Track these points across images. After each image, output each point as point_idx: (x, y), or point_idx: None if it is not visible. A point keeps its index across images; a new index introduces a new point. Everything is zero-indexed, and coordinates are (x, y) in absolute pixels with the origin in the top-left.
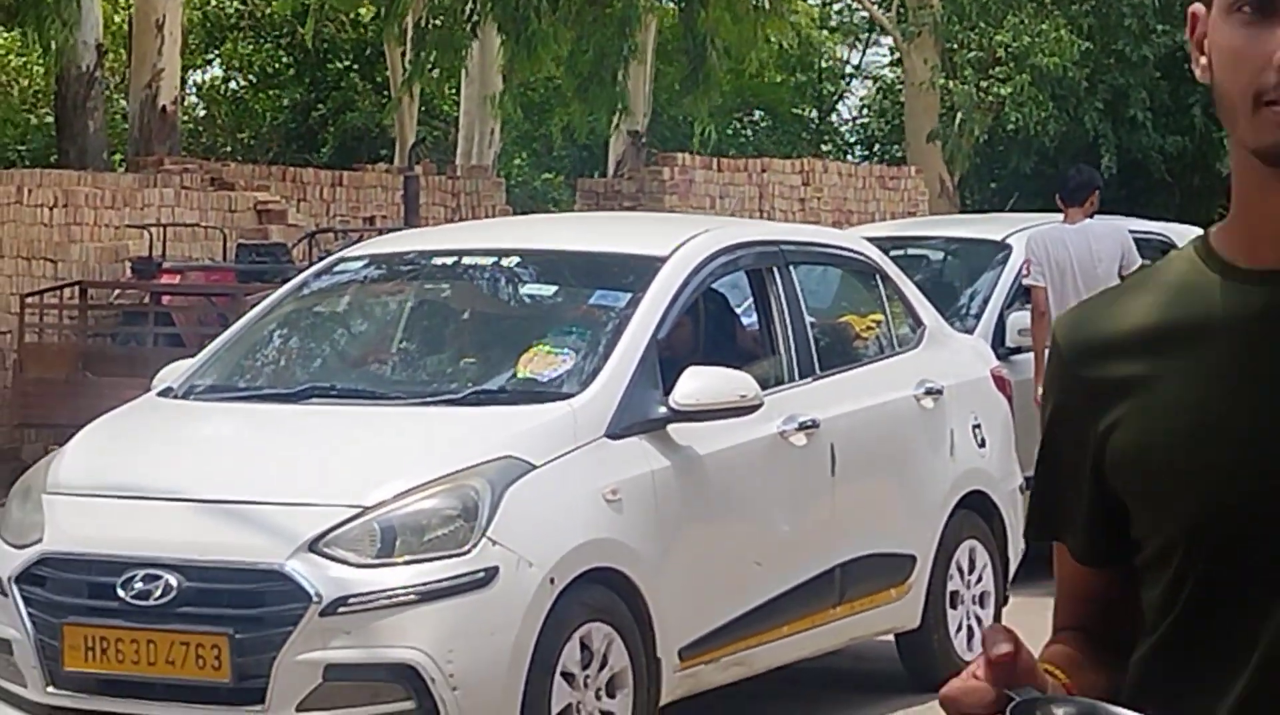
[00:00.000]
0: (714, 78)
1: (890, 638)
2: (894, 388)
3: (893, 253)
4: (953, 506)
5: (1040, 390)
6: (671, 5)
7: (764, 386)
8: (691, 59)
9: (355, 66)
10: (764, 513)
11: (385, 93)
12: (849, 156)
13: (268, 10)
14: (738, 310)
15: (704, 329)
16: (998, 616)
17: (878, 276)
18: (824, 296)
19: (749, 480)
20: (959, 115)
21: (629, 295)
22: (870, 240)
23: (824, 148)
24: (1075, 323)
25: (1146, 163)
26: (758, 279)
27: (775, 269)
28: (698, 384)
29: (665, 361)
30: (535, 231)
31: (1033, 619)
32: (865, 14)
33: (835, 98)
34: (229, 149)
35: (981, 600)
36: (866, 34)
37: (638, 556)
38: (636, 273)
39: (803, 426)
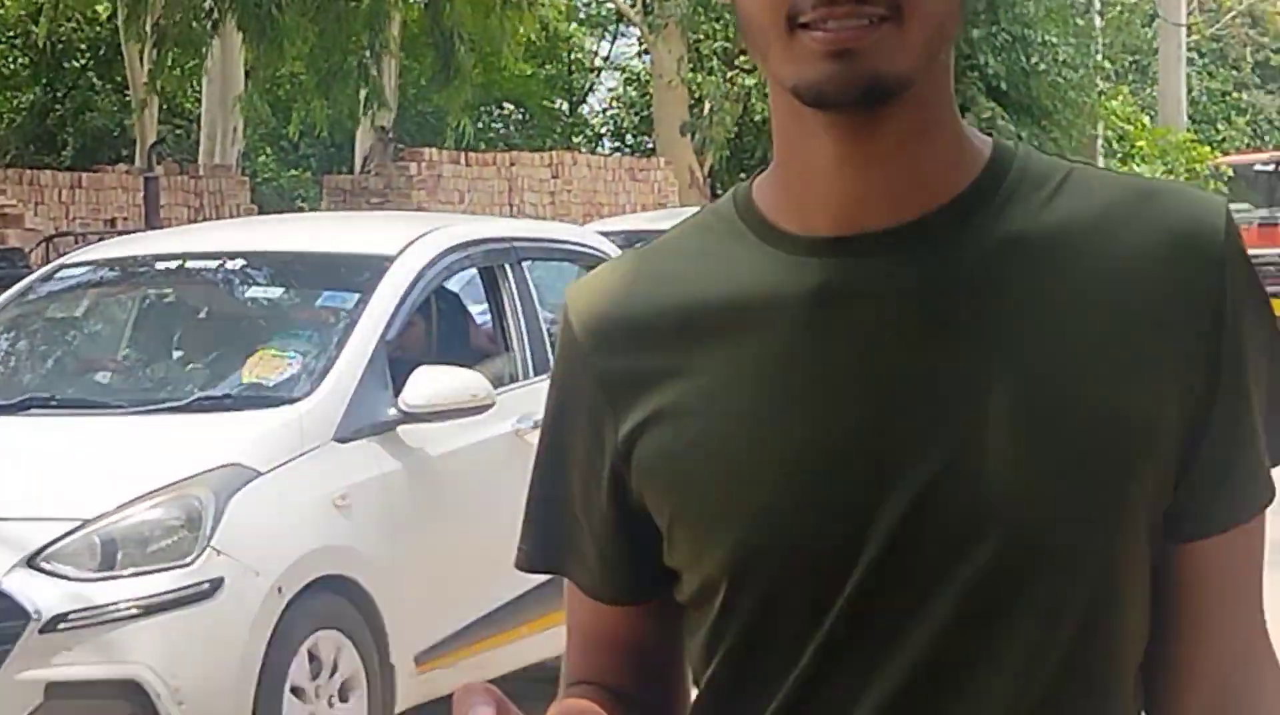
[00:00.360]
0: (464, 71)
1: None
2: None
3: (640, 245)
4: None
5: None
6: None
7: (498, 385)
8: (440, 53)
9: (93, 65)
10: (501, 513)
11: (125, 92)
12: (599, 149)
13: (0, 10)
14: (473, 309)
15: (437, 328)
16: None
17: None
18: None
19: (484, 481)
20: (708, 107)
21: (357, 296)
22: (618, 234)
23: (575, 140)
24: (591, 295)
25: None
26: (490, 277)
27: (508, 266)
28: (428, 385)
29: (398, 362)
30: (263, 232)
31: None
32: (613, 5)
33: (585, 90)
34: None
35: None
36: (614, 25)
37: (369, 562)
38: (364, 273)
39: (538, 424)
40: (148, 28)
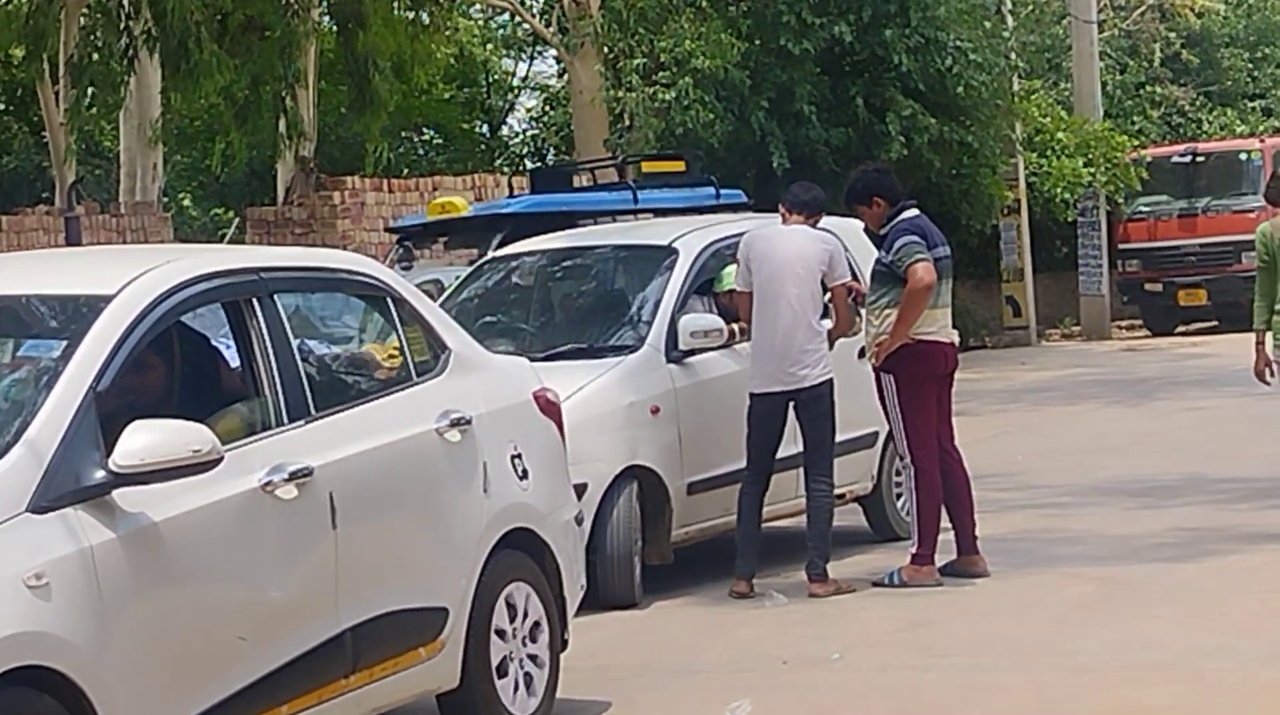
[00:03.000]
0: (380, 97)
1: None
2: (410, 422)
3: (564, 262)
4: (491, 548)
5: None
6: (331, 28)
7: (249, 432)
8: (356, 80)
9: (9, 108)
10: (246, 580)
11: (42, 133)
12: (522, 169)
13: None
14: (224, 349)
15: (180, 372)
16: (556, 660)
17: (389, 300)
18: (337, 325)
19: (224, 544)
20: (629, 121)
21: (63, 343)
22: (537, 252)
23: (496, 162)
24: None
25: (814, 157)
26: (236, 312)
27: (256, 300)
28: (143, 441)
29: (134, 413)
30: None
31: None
32: (528, 27)
33: (505, 111)
34: None
35: (533, 639)
36: (531, 46)
37: (73, 649)
38: (74, 317)
39: (293, 476)
40: (62, 68)
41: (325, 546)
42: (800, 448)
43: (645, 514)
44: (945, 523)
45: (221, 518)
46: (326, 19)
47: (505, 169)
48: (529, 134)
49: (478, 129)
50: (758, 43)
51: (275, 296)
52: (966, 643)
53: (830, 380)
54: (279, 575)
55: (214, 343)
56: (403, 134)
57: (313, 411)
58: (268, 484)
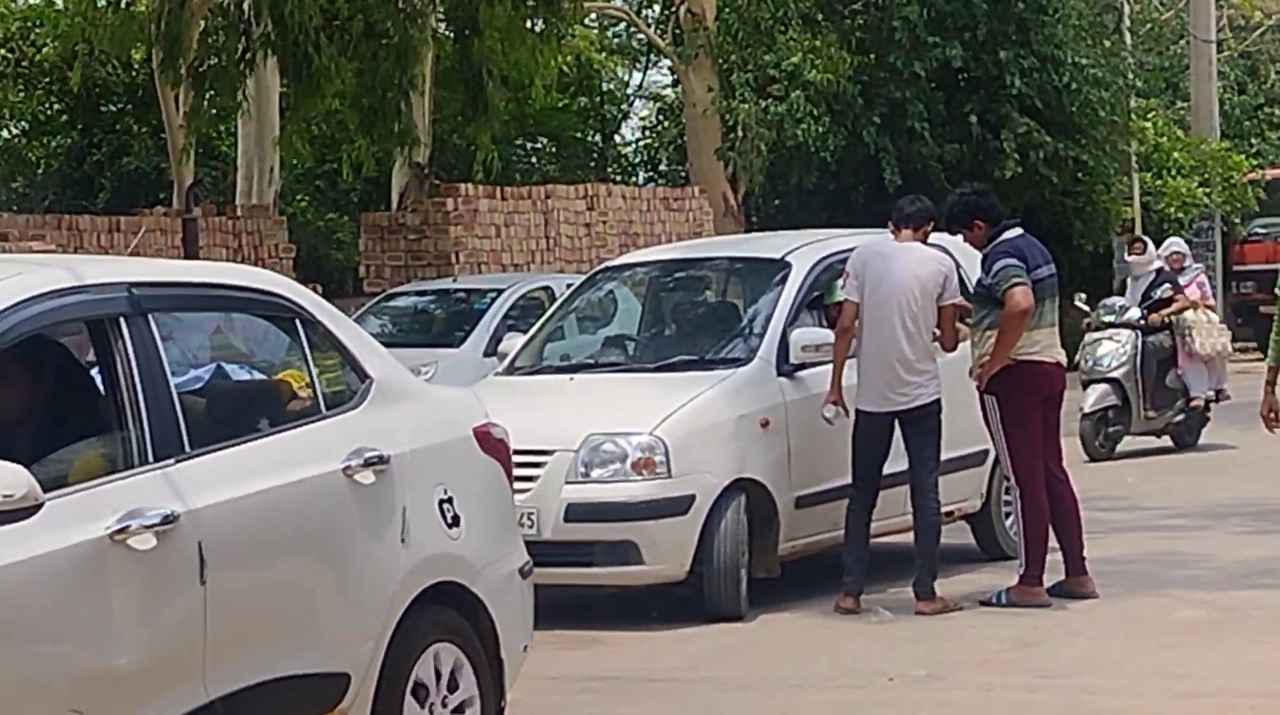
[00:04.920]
0: (493, 105)
1: None
2: (312, 461)
3: (676, 273)
4: (408, 604)
5: (829, 404)
6: (447, 35)
7: (109, 471)
8: (470, 87)
9: (129, 109)
10: (83, 644)
11: (161, 135)
12: (633, 179)
13: (36, 57)
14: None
15: (32, 400)
16: None
17: (299, 322)
18: (244, 349)
19: (54, 604)
20: (741, 132)
21: None
22: (650, 263)
23: (609, 171)
24: None
25: (927, 172)
26: (100, 333)
27: (124, 319)
28: None
29: None
30: None
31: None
32: (643, 37)
33: (618, 121)
34: (3, 199)
35: (460, 710)
36: (645, 56)
37: None
38: None
39: (153, 524)
40: (183, 71)
41: (190, 604)
42: (907, 464)
43: (753, 527)
44: (1053, 543)
45: (52, 572)
46: (443, 26)
47: (617, 178)
48: (641, 143)
49: (590, 138)
50: (872, 57)
51: (150, 316)
52: (1074, 664)
53: (939, 400)
54: (128, 638)
55: (84, 367)
56: (516, 142)
57: (187, 448)
58: (119, 532)
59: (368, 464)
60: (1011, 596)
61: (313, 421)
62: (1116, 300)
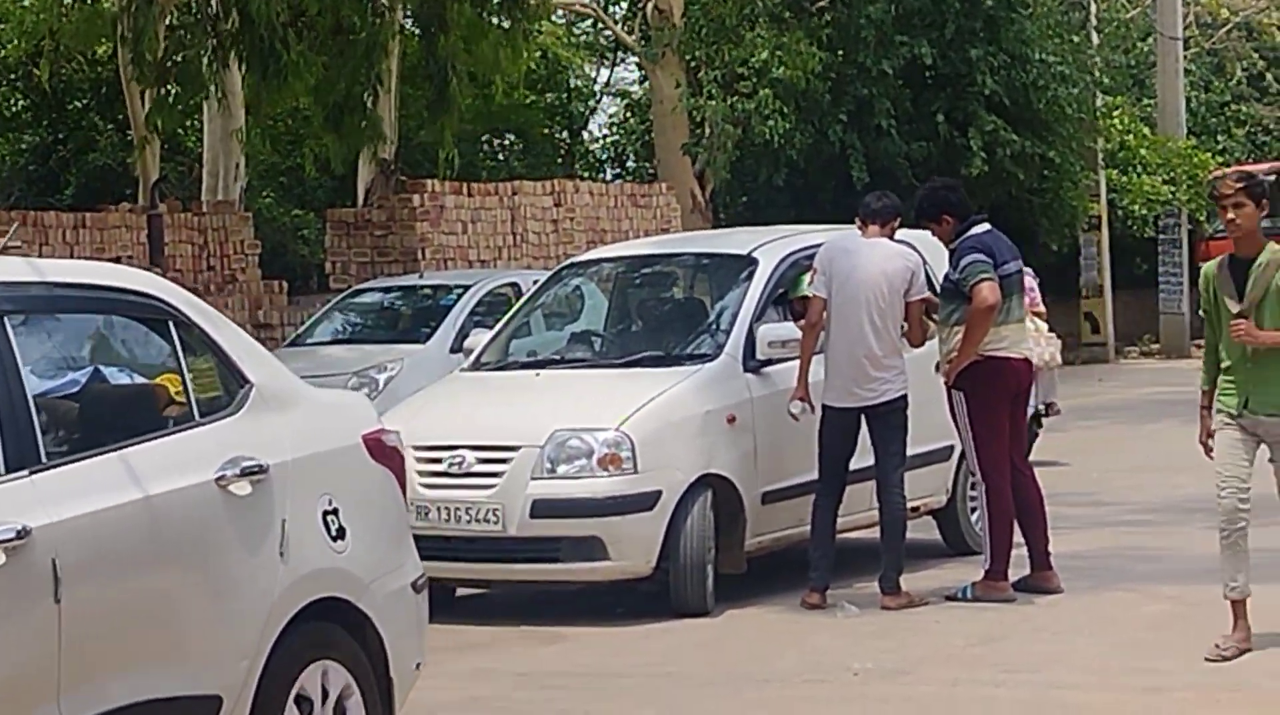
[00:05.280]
0: (457, 102)
1: None
2: (182, 471)
3: (643, 269)
4: (287, 622)
5: (798, 401)
6: (414, 31)
7: None
8: (435, 84)
9: (94, 105)
10: None
11: (126, 131)
12: (601, 176)
13: (1, 54)
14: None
15: None
16: None
17: (171, 324)
18: (124, 352)
19: None
20: (709, 130)
21: None
22: (616, 259)
23: (575, 168)
24: None
25: (894, 170)
26: None
27: None
28: None
29: None
30: None
31: None
32: (611, 33)
33: (585, 117)
34: None
35: None
36: (613, 52)
37: None
38: None
39: (3, 540)
40: (152, 68)
41: (43, 624)
42: (873, 460)
43: (719, 523)
44: (1018, 538)
45: None
46: (410, 22)
47: (584, 175)
48: (609, 140)
49: (558, 134)
50: (840, 54)
51: (4, 318)
52: (1040, 659)
53: (905, 395)
54: None
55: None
56: (483, 139)
57: (43, 459)
58: None
59: (244, 474)
60: (977, 591)
61: (186, 429)
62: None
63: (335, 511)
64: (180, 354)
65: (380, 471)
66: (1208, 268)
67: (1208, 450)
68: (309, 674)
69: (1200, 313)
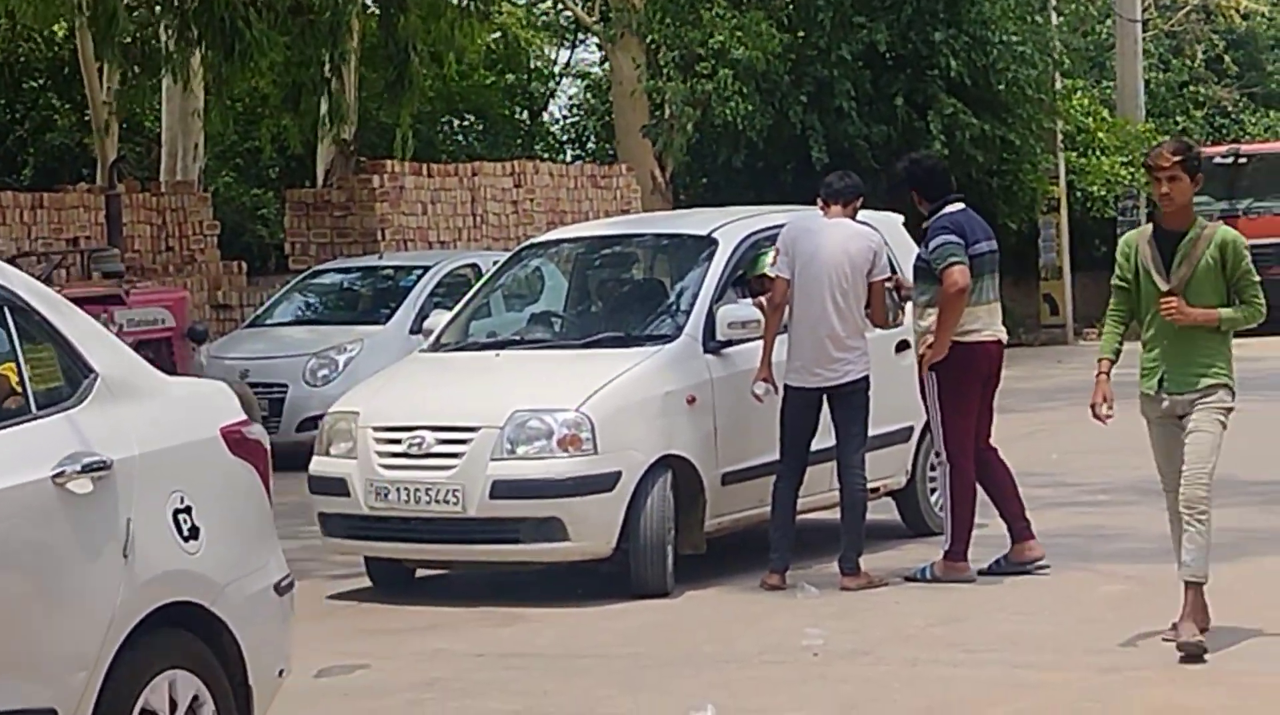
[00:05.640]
0: (416, 82)
1: None
2: (15, 468)
3: (603, 250)
4: (132, 628)
5: (762, 381)
6: (374, 11)
7: None
8: (394, 65)
9: (52, 85)
10: None
11: (84, 111)
12: (561, 157)
13: None
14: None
15: None
16: None
17: (6, 309)
18: None
19: None
20: (669, 112)
21: None
22: (576, 239)
23: (536, 148)
24: None
25: (854, 152)
26: None
27: None
28: None
29: None
30: None
31: None
32: (571, 14)
33: (545, 98)
34: None
35: None
36: (573, 33)
37: None
38: None
39: None
40: (118, 49)
41: None
42: (834, 440)
43: (679, 504)
44: (981, 519)
45: None
46: (370, 2)
47: (545, 156)
48: (569, 121)
49: (518, 115)
50: (800, 35)
51: None
52: (998, 639)
53: (867, 376)
54: None
55: None
56: (443, 119)
57: None
58: None
59: (85, 470)
60: (936, 572)
61: (20, 422)
62: None
63: (188, 510)
64: (16, 341)
65: (240, 466)
66: (1130, 237)
67: (1100, 414)
68: (155, 685)
69: (1114, 281)
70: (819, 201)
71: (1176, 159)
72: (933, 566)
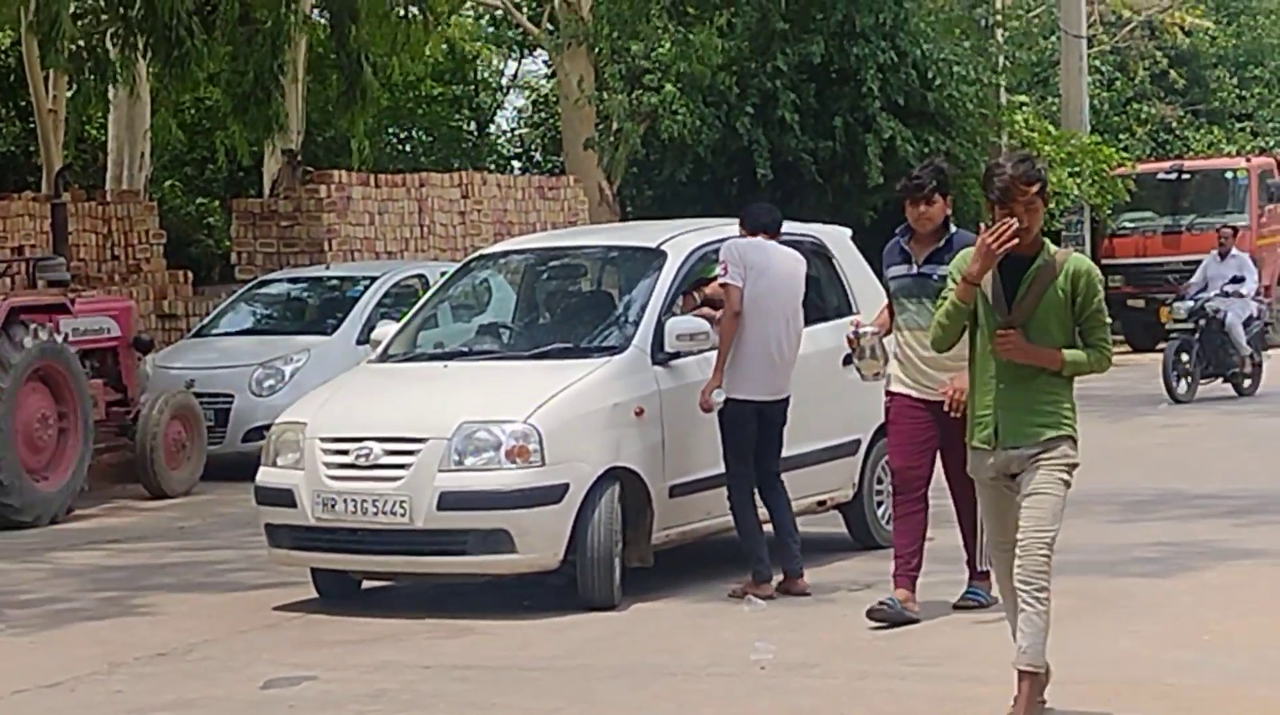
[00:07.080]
0: (370, 94)
1: None
2: None
3: (552, 262)
4: None
5: (715, 389)
6: (322, 22)
7: None
8: (347, 75)
9: None
10: None
11: (29, 118)
12: (508, 169)
13: None
14: None
15: None
16: None
17: None
18: None
19: None
20: (615, 125)
21: None
22: (525, 251)
23: (484, 160)
24: None
25: (799, 165)
26: None
27: None
28: None
29: None
30: None
31: None
32: (519, 27)
33: (493, 110)
34: None
35: None
36: (521, 46)
37: None
38: None
39: None
40: (65, 58)
41: None
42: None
43: (626, 516)
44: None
45: None
46: (318, 13)
47: (492, 167)
48: (517, 133)
49: (466, 126)
50: (745, 46)
51: None
52: (945, 653)
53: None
54: None
55: None
56: (390, 130)
57: None
58: None
59: None
60: (993, 594)
61: None
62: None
63: None
64: None
65: None
66: (967, 254)
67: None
68: None
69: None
70: (740, 228)
71: (1034, 191)
72: (986, 591)
